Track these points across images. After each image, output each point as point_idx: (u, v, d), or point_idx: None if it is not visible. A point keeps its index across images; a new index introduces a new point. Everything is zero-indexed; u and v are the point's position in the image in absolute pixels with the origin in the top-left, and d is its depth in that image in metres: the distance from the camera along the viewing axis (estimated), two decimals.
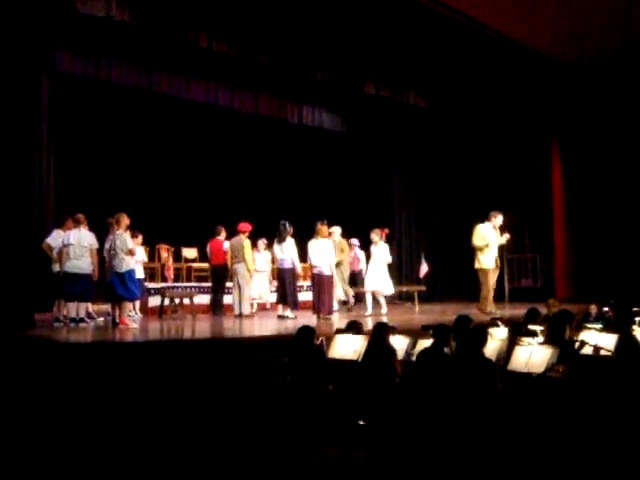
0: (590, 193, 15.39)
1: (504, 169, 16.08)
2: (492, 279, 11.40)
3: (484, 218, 11.66)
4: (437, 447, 4.26)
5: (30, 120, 9.14)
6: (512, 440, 4.35)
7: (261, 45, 11.50)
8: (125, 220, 9.39)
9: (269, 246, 12.41)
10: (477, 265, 11.42)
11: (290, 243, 11.07)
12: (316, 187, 15.71)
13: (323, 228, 10.97)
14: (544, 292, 14.29)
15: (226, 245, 11.61)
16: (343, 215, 14.44)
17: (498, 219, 11.52)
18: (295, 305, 11.18)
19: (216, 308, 11.73)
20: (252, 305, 12.07)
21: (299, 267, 11.22)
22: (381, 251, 11.65)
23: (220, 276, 11.79)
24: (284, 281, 11.06)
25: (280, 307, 11.18)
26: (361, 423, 4.60)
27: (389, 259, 11.82)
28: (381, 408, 5.00)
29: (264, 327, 10.45)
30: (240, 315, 11.21)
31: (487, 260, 11.32)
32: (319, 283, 10.86)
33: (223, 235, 11.80)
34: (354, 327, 6.92)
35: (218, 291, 11.85)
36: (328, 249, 10.85)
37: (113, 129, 12.66)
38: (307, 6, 11.60)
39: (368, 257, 12.25)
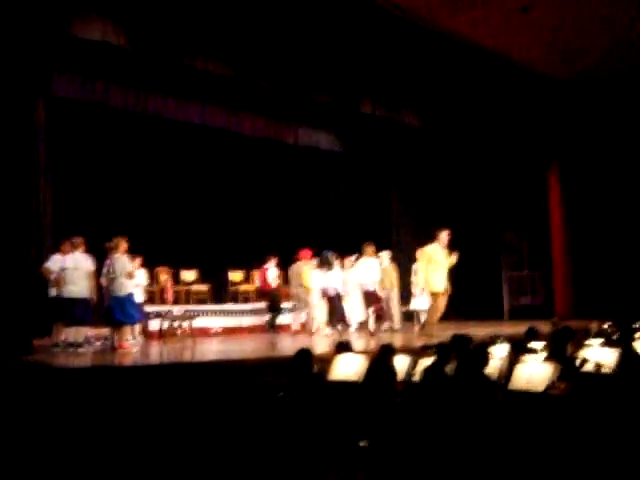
0: (588, 209, 15.42)
1: (501, 187, 16.10)
2: (441, 302, 10.87)
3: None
4: (439, 467, 4.22)
5: (28, 145, 9.15)
6: (514, 459, 4.31)
7: (257, 67, 11.55)
8: (123, 244, 9.40)
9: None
10: (428, 288, 11.08)
11: (335, 272, 12.31)
12: (314, 207, 15.73)
13: (369, 248, 12.26)
14: (544, 309, 14.29)
15: (271, 273, 12.47)
16: (341, 234, 14.48)
17: (444, 237, 10.98)
18: (344, 322, 12.41)
19: (271, 326, 12.44)
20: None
21: (341, 290, 12.37)
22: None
23: (268, 300, 12.60)
24: (334, 304, 12.24)
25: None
26: (362, 444, 4.57)
27: None
28: (383, 429, 4.96)
29: (269, 348, 10.44)
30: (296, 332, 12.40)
31: (436, 282, 10.84)
32: (365, 299, 12.19)
33: (271, 263, 12.58)
34: (345, 348, 6.90)
35: (274, 312, 12.55)
36: (373, 268, 12.16)
37: (111, 152, 12.67)
38: (303, 27, 11.67)
39: None
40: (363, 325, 12.57)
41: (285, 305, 12.91)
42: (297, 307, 12.57)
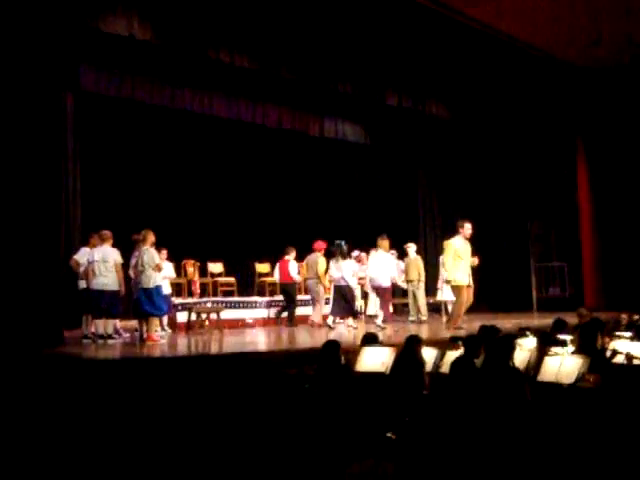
0: (618, 199, 15.19)
1: (529, 177, 15.95)
2: (465, 296, 10.77)
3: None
4: (467, 459, 4.20)
5: (56, 138, 9.23)
6: (543, 452, 4.28)
7: (282, 59, 11.56)
8: (151, 237, 9.44)
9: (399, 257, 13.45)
10: (452, 282, 10.95)
11: (347, 263, 11.76)
12: (341, 200, 15.72)
13: (384, 242, 11.74)
14: (573, 301, 14.11)
15: (292, 265, 12.35)
16: (368, 227, 14.43)
17: (467, 229, 10.86)
18: (354, 315, 12.05)
19: (290, 320, 12.30)
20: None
21: (353, 284, 11.90)
22: None
23: (288, 292, 12.47)
24: (345, 296, 11.66)
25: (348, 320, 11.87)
26: (390, 436, 4.56)
27: None
28: (410, 420, 4.95)
29: (294, 340, 10.46)
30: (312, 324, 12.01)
31: (461, 275, 10.73)
32: (377, 294, 11.76)
33: (291, 255, 12.44)
34: (371, 340, 6.89)
35: (290, 305, 12.45)
36: (388, 262, 11.67)
37: (138, 146, 12.75)
38: (328, 19, 11.65)
39: None
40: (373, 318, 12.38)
41: (301, 297, 12.86)
42: (313, 299, 12.37)
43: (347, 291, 11.70)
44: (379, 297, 11.86)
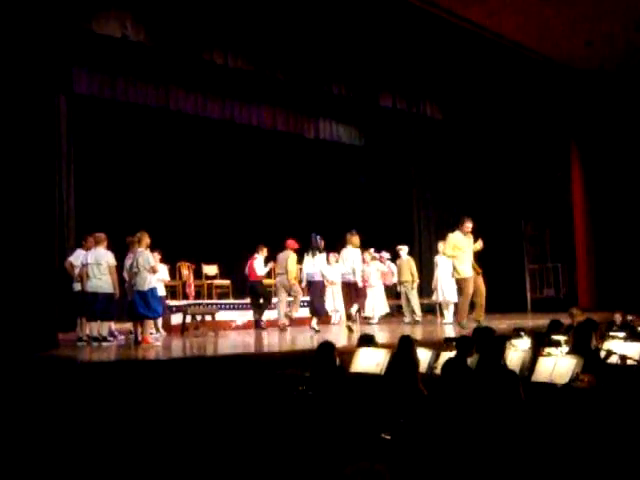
0: (612, 200, 15.25)
1: (524, 178, 15.99)
2: (470, 289, 10.97)
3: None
4: (461, 460, 4.20)
5: (49, 141, 9.19)
6: (537, 452, 4.28)
7: (277, 61, 11.56)
8: (146, 239, 9.43)
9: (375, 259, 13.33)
10: (456, 275, 11.17)
11: (321, 257, 11.46)
12: (335, 201, 15.71)
13: (353, 238, 11.40)
14: (567, 302, 14.14)
15: (258, 262, 12.00)
16: (362, 228, 14.42)
17: (466, 227, 11.18)
18: (323, 314, 11.64)
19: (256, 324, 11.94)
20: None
21: (328, 279, 11.61)
22: (447, 261, 11.86)
23: (256, 291, 12.06)
24: (317, 293, 11.39)
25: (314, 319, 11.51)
26: (385, 437, 4.56)
27: None
28: (405, 421, 4.95)
29: (287, 342, 10.44)
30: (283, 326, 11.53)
31: (464, 268, 11.01)
32: (348, 291, 11.34)
33: (260, 254, 12.11)
34: (368, 340, 6.89)
35: (253, 307, 12.09)
36: (357, 258, 11.32)
37: (132, 148, 12.74)
38: (322, 20, 11.66)
39: None
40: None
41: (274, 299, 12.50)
42: (279, 298, 11.83)
43: (320, 287, 11.45)
44: (348, 294, 11.51)
